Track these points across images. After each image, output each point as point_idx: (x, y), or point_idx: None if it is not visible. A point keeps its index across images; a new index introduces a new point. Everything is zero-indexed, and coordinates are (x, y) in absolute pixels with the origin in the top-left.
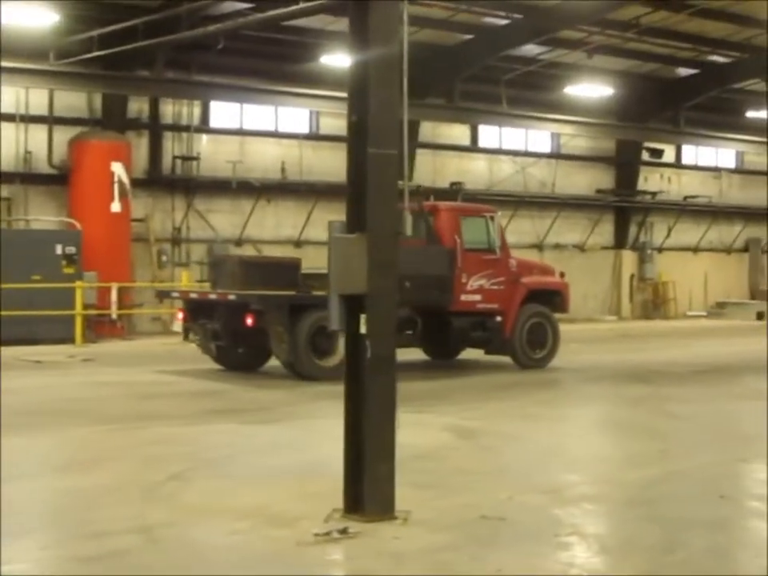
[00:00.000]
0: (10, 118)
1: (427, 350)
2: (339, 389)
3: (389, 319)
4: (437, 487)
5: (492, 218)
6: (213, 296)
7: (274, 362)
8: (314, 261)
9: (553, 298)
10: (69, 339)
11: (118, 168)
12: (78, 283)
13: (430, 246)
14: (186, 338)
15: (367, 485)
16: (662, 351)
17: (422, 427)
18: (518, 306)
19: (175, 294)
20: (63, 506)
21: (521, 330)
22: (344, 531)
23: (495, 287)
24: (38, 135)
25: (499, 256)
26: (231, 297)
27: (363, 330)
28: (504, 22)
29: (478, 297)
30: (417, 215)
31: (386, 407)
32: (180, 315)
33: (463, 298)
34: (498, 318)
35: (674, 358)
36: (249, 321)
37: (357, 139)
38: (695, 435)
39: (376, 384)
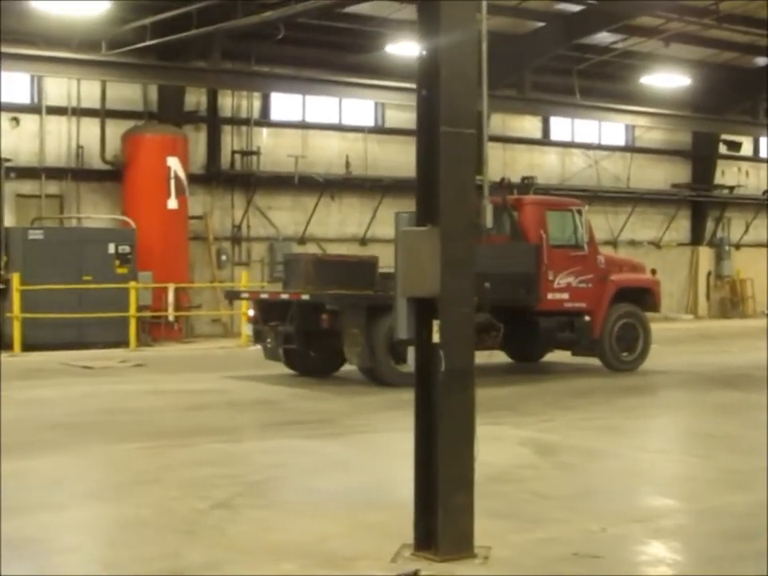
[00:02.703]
0: (60, 111)
1: (510, 353)
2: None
3: (466, 326)
4: (518, 517)
5: (579, 212)
6: (285, 296)
7: (349, 367)
8: (381, 260)
9: (643, 297)
10: (123, 342)
11: (174, 163)
12: (132, 284)
13: (515, 242)
14: (256, 341)
15: (441, 518)
16: (746, 353)
17: (496, 442)
18: (607, 305)
19: (245, 295)
20: (80, 543)
21: (610, 331)
22: (415, 575)
23: (583, 285)
24: (90, 129)
25: (587, 252)
26: (305, 297)
27: (436, 338)
28: (577, 8)
29: (565, 295)
30: (500, 210)
31: (463, 428)
32: (251, 316)
33: (550, 296)
34: (587, 318)
35: (759, 360)
36: (324, 322)
37: (427, 116)
38: None
39: (451, 402)
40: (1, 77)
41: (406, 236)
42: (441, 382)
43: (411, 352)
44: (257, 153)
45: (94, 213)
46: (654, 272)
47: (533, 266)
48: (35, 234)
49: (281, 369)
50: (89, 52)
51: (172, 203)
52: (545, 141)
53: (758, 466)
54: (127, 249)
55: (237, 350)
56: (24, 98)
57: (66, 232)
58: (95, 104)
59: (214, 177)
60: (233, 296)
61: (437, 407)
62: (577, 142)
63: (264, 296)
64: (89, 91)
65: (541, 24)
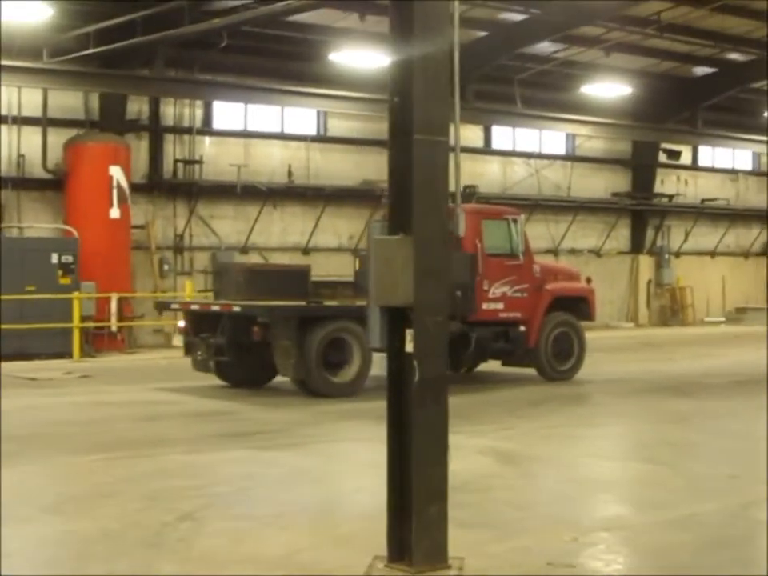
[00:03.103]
0: (1, 119)
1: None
2: (360, 406)
3: (439, 336)
4: (488, 526)
5: (515, 221)
6: (216, 307)
7: (280, 378)
8: (323, 269)
9: (578, 306)
10: (66, 353)
11: (116, 172)
12: (76, 294)
13: (449, 251)
14: (186, 352)
15: (416, 529)
16: (691, 360)
17: (456, 450)
18: (542, 315)
19: (175, 306)
20: (49, 557)
21: (546, 340)
22: None
23: (518, 295)
24: (31, 138)
25: (523, 261)
26: (235, 308)
27: (409, 348)
28: (519, 18)
29: (500, 305)
30: None
31: (436, 438)
32: (181, 327)
33: (485, 306)
34: (522, 328)
35: (706, 367)
36: (256, 334)
37: (399, 124)
38: (763, 457)
39: (425, 411)
40: None
41: (380, 244)
42: (414, 392)
43: (383, 361)
44: (199, 162)
45: (36, 222)
46: (588, 280)
47: (467, 275)
48: None
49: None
50: (30, 59)
51: (114, 212)
52: (487, 150)
53: (727, 473)
54: (70, 258)
55: (180, 361)
56: None
57: (8, 242)
58: (36, 112)
59: (156, 186)
60: (163, 307)
61: (410, 417)
62: (518, 151)
63: (195, 307)
64: (29, 99)
65: (483, 33)
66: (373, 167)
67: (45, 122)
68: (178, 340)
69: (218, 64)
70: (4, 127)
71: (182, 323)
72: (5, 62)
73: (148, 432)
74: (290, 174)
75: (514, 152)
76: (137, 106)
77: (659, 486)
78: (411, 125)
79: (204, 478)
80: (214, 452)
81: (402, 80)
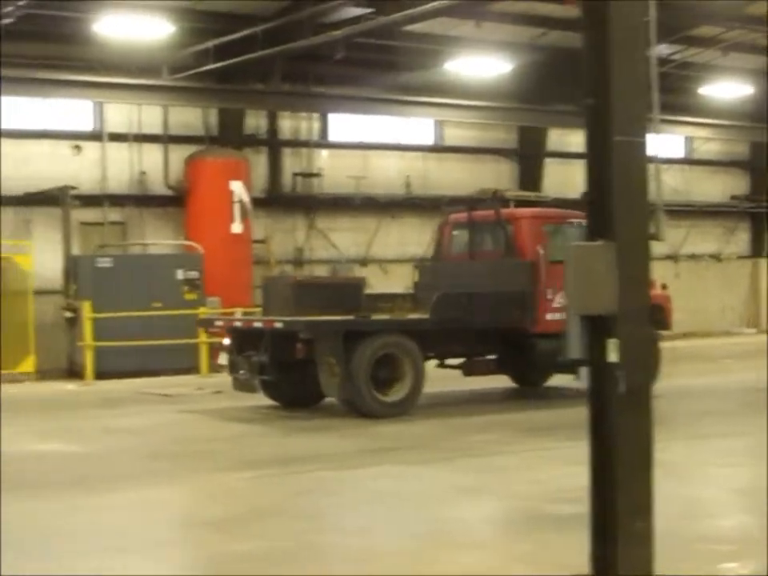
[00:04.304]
0: (121, 137)
1: (513, 377)
2: (489, 419)
3: (644, 344)
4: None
5: (581, 225)
6: (258, 324)
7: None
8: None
9: (653, 314)
10: (192, 369)
11: (237, 187)
12: (202, 309)
13: (508, 258)
14: (231, 371)
15: (621, 546)
16: None
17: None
18: None
19: (219, 323)
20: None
21: None
22: None
23: None
24: (151, 155)
25: None
26: (277, 324)
27: (612, 357)
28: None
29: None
30: (492, 225)
31: (640, 451)
32: (225, 345)
33: (548, 317)
34: None
35: None
36: (299, 352)
37: (596, 126)
38: None
39: (630, 423)
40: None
41: (578, 251)
42: (619, 403)
43: (584, 372)
44: (318, 175)
45: (157, 239)
46: (665, 287)
47: (528, 284)
48: (104, 262)
49: None
50: (150, 77)
51: (236, 227)
52: None
53: None
54: (195, 274)
55: None
56: (86, 125)
57: (135, 259)
58: (156, 129)
59: (275, 200)
60: (206, 324)
61: (615, 429)
62: None
63: (237, 324)
64: (149, 116)
65: None
66: (489, 176)
67: (166, 138)
68: (223, 358)
69: (333, 76)
70: (125, 145)
71: (226, 341)
72: (126, 81)
73: (289, 448)
74: (407, 184)
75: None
76: (254, 121)
77: None
78: (609, 126)
79: (360, 494)
80: (361, 467)
81: (598, 81)
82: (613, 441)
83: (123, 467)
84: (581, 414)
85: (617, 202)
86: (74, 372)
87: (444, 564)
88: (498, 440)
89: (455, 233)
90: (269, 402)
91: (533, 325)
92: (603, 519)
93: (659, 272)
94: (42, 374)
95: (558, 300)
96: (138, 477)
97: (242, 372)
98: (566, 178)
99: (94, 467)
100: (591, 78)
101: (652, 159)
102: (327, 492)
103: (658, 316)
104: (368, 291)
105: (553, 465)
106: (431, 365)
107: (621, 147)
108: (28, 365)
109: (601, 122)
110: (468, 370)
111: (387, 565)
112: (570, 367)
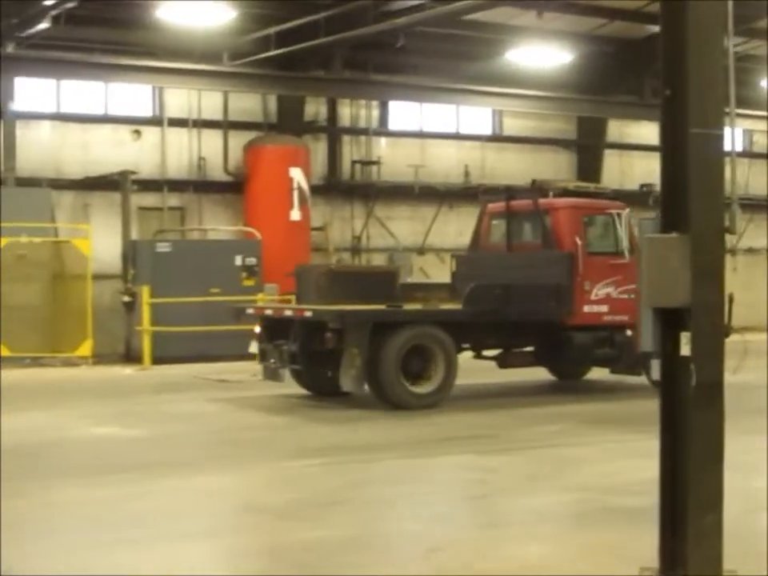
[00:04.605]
0: (181, 123)
1: (551, 370)
2: (556, 410)
3: (717, 338)
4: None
5: (619, 216)
6: (289, 313)
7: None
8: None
9: None
10: (248, 355)
11: (296, 174)
12: (260, 296)
13: (546, 250)
14: (261, 360)
15: (691, 540)
16: None
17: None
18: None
19: (250, 311)
20: (311, 564)
21: None
22: None
23: (625, 296)
24: (211, 141)
25: (629, 260)
26: (307, 313)
27: (685, 351)
28: None
29: (604, 308)
30: (532, 215)
31: (711, 445)
32: (257, 333)
33: (586, 309)
34: (629, 332)
35: None
36: (329, 341)
37: (673, 118)
38: None
39: (702, 417)
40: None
41: (653, 243)
42: (691, 397)
43: (655, 365)
44: (377, 163)
45: (215, 225)
46: None
47: (565, 276)
48: (163, 247)
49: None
50: (210, 63)
51: (295, 214)
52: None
53: None
54: (254, 261)
55: None
56: (145, 111)
57: (194, 244)
58: (216, 115)
59: (334, 187)
60: (238, 312)
61: (686, 423)
62: None
63: (268, 312)
64: (208, 102)
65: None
66: (548, 167)
67: (226, 124)
68: (253, 347)
69: (393, 64)
70: (184, 131)
71: (258, 329)
72: (186, 66)
73: (350, 435)
74: (466, 174)
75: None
76: (313, 108)
77: None
78: (685, 118)
79: (428, 483)
80: (428, 456)
81: (675, 72)
82: (684, 434)
83: (183, 453)
84: (639, 406)
85: (692, 195)
86: (130, 357)
87: (511, 556)
88: (563, 431)
89: (494, 222)
90: None
91: (570, 317)
92: (672, 513)
93: None
94: (99, 359)
95: (596, 292)
96: (200, 463)
97: (272, 361)
98: (625, 170)
99: (154, 452)
100: (668, 69)
101: (728, 152)
102: (395, 480)
103: None
104: (423, 280)
105: (620, 457)
106: (468, 356)
107: (697, 139)
108: (85, 349)
109: (677, 113)
110: (503, 362)
111: (455, 555)
112: (607, 361)
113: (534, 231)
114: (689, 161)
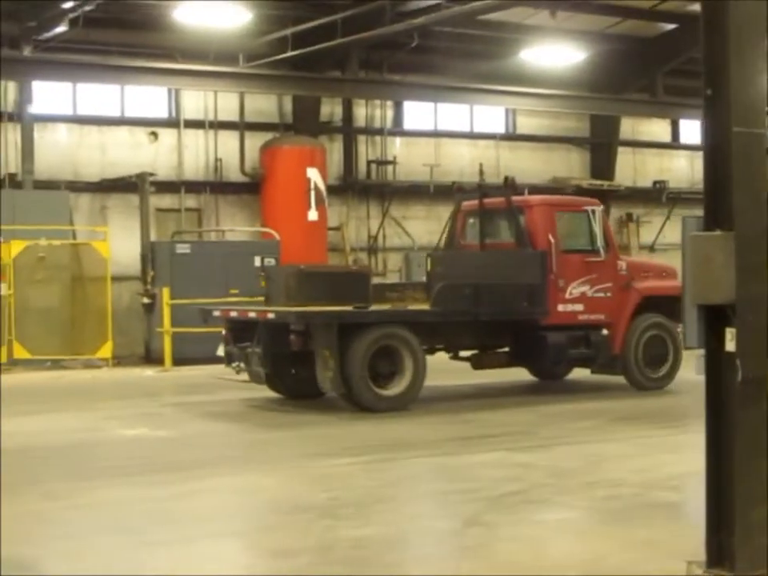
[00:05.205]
0: (198, 124)
1: (531, 371)
2: (585, 406)
3: (762, 333)
4: None
5: (594, 213)
6: (252, 314)
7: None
8: None
9: (674, 306)
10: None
11: (313, 174)
12: None
13: (518, 248)
14: (228, 363)
15: (739, 534)
16: None
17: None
18: (629, 317)
19: (216, 313)
20: (350, 562)
21: (635, 345)
22: None
23: (601, 295)
24: (227, 142)
25: (605, 258)
26: (270, 315)
27: (730, 347)
28: None
29: (579, 307)
30: (504, 213)
31: (758, 440)
32: (223, 335)
33: (560, 308)
34: (605, 332)
35: None
36: (293, 343)
37: (715, 116)
38: None
39: (747, 412)
40: None
41: (696, 241)
42: (736, 392)
43: (700, 362)
44: (393, 162)
45: (232, 225)
46: None
47: (539, 274)
48: (182, 248)
49: None
50: (226, 64)
51: (312, 214)
52: (674, 144)
53: None
54: (272, 261)
55: None
56: (162, 113)
57: (213, 246)
58: (232, 116)
59: (350, 187)
60: (205, 315)
61: (731, 418)
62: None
63: (234, 314)
64: (225, 104)
65: (673, 26)
66: (561, 165)
67: (242, 125)
68: (220, 350)
69: (407, 64)
70: (201, 132)
71: (224, 331)
72: (203, 68)
73: (379, 434)
74: (481, 172)
75: (702, 146)
76: (329, 108)
77: None
78: (728, 117)
79: (468, 482)
80: (466, 454)
81: (716, 71)
82: (730, 430)
83: (215, 452)
84: (658, 403)
85: (735, 193)
86: (150, 358)
87: (556, 552)
88: (593, 427)
89: (469, 221)
90: None
91: (544, 317)
92: (719, 507)
93: None
94: (119, 360)
95: (571, 291)
96: (234, 462)
97: (239, 364)
98: (638, 167)
99: (186, 452)
100: (709, 68)
101: None
102: (433, 478)
103: (679, 308)
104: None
105: (652, 452)
106: (444, 357)
107: (739, 138)
108: (106, 351)
109: (720, 112)
110: (477, 363)
111: (502, 553)
112: (583, 361)
113: (508, 229)
114: (731, 160)
